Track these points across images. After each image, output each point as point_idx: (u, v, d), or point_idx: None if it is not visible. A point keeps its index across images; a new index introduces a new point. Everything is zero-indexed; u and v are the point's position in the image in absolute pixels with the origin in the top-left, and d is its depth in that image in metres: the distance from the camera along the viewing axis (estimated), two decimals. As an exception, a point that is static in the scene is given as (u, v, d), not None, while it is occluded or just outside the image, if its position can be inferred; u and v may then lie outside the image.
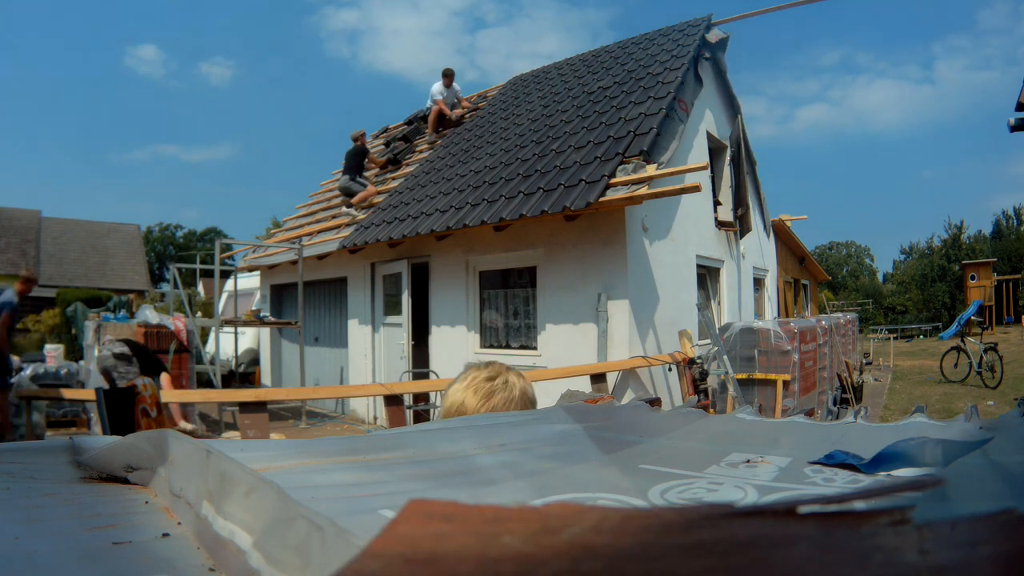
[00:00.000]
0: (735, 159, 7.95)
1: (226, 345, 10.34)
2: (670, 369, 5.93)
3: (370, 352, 7.95)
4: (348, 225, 8.40)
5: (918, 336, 23.83)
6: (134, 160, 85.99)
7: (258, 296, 10.81)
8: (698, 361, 5.75)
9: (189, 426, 5.95)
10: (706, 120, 7.55)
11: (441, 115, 10.19)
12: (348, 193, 8.90)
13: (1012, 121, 5.13)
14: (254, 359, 11.10)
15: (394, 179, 9.35)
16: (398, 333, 7.42)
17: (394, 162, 10.00)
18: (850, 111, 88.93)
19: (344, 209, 8.96)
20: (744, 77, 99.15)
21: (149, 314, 6.81)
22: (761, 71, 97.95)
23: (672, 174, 5.06)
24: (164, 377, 5.74)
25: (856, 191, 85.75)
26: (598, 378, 5.13)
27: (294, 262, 8.40)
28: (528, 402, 1.31)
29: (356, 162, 8.96)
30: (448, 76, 10.22)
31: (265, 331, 10.14)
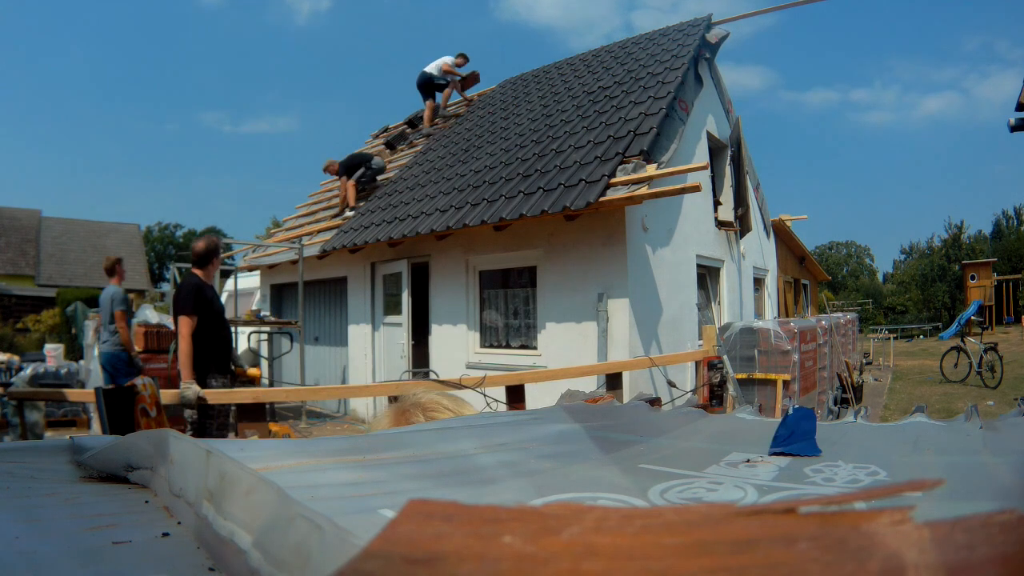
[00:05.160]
0: (735, 159, 7.96)
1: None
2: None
3: (370, 352, 7.95)
4: (341, 226, 8.46)
5: (918, 336, 23.83)
6: (164, 133, 68.11)
7: (258, 296, 10.81)
8: (719, 366, 5.56)
9: None
10: (706, 120, 7.55)
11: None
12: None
13: (1012, 121, 5.13)
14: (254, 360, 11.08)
15: (394, 179, 9.35)
16: (398, 333, 7.42)
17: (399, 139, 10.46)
18: (972, 101, 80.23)
19: (347, 212, 9.00)
20: (887, 62, 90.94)
21: (149, 314, 6.81)
22: (902, 55, 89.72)
23: (672, 174, 5.06)
24: None
25: (895, 188, 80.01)
26: (613, 379, 4.73)
27: (294, 262, 8.39)
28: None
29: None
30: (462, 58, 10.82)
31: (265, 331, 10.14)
